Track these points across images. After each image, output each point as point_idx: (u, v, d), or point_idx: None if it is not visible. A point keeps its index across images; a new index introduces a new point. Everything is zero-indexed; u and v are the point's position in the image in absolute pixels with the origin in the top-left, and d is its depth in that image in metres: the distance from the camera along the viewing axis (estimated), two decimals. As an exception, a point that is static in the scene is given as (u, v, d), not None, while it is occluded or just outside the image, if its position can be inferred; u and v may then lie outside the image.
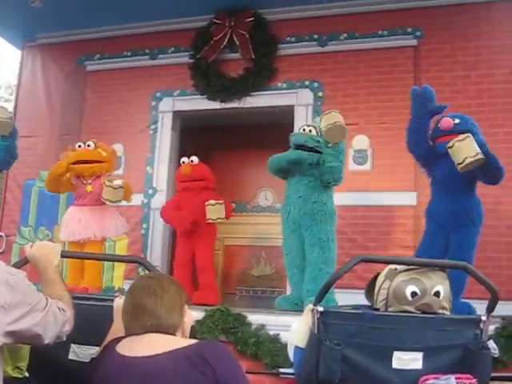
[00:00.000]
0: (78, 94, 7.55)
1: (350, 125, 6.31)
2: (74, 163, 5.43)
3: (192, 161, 5.97)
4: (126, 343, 1.89)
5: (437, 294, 2.19)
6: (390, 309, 2.21)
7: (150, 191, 6.93)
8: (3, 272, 1.76)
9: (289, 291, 5.44)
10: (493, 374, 2.21)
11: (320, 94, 6.59)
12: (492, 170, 4.33)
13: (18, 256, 6.82)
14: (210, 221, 5.70)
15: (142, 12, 6.92)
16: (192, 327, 2.07)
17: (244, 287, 7.89)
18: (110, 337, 2.09)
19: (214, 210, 5.69)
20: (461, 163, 4.11)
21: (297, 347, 2.20)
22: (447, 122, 4.51)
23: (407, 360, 2.07)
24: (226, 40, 6.87)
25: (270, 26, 6.84)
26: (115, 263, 6.47)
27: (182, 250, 5.89)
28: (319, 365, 2.04)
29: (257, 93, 6.79)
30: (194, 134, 7.53)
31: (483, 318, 2.18)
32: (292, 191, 4.94)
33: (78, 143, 5.69)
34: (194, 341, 1.85)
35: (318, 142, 4.81)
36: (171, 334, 1.89)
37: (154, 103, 7.22)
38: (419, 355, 2.08)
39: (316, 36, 6.72)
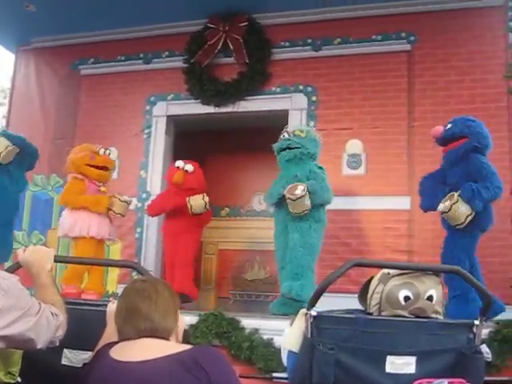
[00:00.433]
0: (71, 98, 7.55)
1: (344, 129, 6.37)
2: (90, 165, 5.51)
3: (187, 170, 5.83)
4: (119, 348, 1.88)
5: (430, 298, 2.20)
6: (383, 313, 2.21)
7: (144, 195, 6.93)
8: (-4, 276, 1.76)
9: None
10: (486, 378, 2.22)
11: (314, 98, 6.61)
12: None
13: (11, 260, 6.79)
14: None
15: (136, 16, 6.93)
16: (185, 331, 2.07)
17: (238, 291, 7.88)
18: (102, 342, 2.08)
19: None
20: (460, 225, 4.37)
21: (290, 352, 2.20)
22: (435, 130, 4.66)
23: (400, 364, 2.07)
24: (220, 44, 6.89)
25: (264, 31, 6.87)
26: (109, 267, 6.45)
27: (168, 251, 5.97)
28: (312, 369, 2.04)
29: (251, 97, 6.81)
30: (187, 139, 7.53)
31: (476, 322, 2.18)
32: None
33: (100, 148, 5.70)
34: (188, 346, 1.84)
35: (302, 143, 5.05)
36: (165, 339, 1.88)
37: (148, 107, 7.22)
38: (412, 359, 2.08)
39: (310, 41, 6.75)
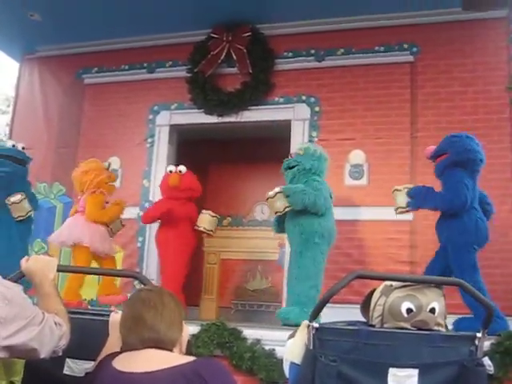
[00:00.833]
0: (75, 107, 7.57)
1: (347, 140, 6.38)
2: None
3: (180, 171, 5.95)
4: (122, 358, 1.87)
5: (432, 310, 2.19)
6: (385, 325, 2.21)
7: (147, 204, 6.92)
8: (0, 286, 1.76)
9: (284, 305, 5.45)
10: (488, 391, 2.21)
11: (317, 108, 6.62)
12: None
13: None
14: (200, 228, 5.77)
15: (140, 26, 6.97)
16: (188, 342, 2.06)
17: (240, 301, 7.87)
18: (105, 351, 2.07)
19: (208, 221, 5.71)
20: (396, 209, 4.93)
21: (292, 363, 2.20)
22: (426, 150, 4.94)
23: (403, 377, 2.06)
24: (224, 54, 6.91)
25: (268, 41, 6.89)
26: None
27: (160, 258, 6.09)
28: (315, 381, 2.03)
29: (254, 107, 6.83)
30: (190, 148, 7.55)
31: (478, 334, 2.18)
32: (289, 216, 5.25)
33: (108, 164, 6.02)
34: (191, 358, 1.83)
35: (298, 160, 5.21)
36: (169, 350, 1.87)
37: (151, 117, 7.24)
38: (415, 372, 2.07)
39: (313, 51, 6.77)
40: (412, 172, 6.13)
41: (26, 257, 2.12)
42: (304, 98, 6.71)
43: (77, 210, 5.74)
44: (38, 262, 2.09)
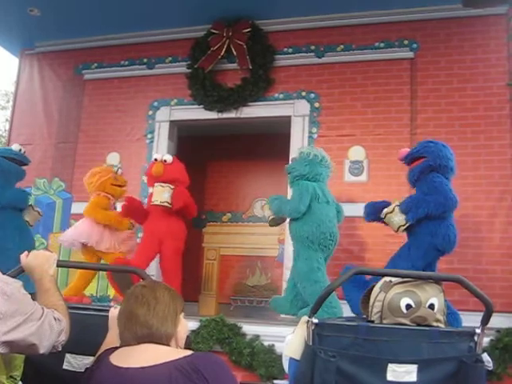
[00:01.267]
0: (75, 103, 7.56)
1: (347, 136, 6.37)
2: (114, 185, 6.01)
3: (165, 160, 5.73)
4: (119, 354, 1.88)
5: (431, 306, 2.20)
6: (384, 321, 2.22)
7: (146, 200, 6.91)
8: (-1, 281, 1.76)
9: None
10: (487, 387, 2.21)
11: (317, 104, 6.61)
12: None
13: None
14: (154, 202, 5.60)
15: (140, 21, 6.96)
16: (187, 337, 2.06)
17: (239, 297, 7.88)
18: (104, 347, 2.08)
19: (159, 192, 5.60)
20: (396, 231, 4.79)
21: (292, 359, 2.20)
22: (399, 153, 4.97)
23: (401, 372, 2.07)
24: (224, 50, 6.89)
25: (268, 37, 6.87)
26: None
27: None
28: (314, 376, 2.04)
29: (254, 103, 6.81)
30: (190, 144, 7.54)
31: (477, 330, 2.18)
32: None
33: (118, 168, 6.22)
34: (188, 352, 1.83)
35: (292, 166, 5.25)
36: (165, 344, 1.88)
37: (150, 112, 7.22)
38: (413, 367, 2.08)
39: (313, 47, 6.75)
40: (412, 168, 6.12)
41: (25, 252, 2.13)
42: (304, 94, 6.69)
43: None
44: (38, 258, 2.09)
